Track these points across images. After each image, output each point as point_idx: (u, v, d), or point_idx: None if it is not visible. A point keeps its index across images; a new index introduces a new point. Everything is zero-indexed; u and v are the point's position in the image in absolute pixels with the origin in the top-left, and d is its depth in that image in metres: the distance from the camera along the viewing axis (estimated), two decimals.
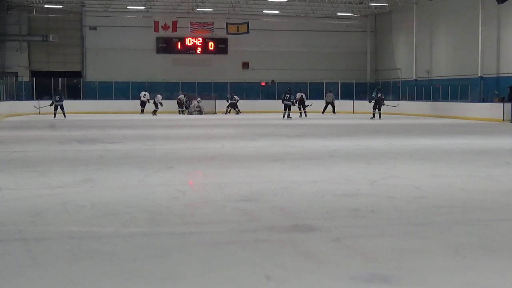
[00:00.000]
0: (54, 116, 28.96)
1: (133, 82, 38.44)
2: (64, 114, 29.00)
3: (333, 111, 35.05)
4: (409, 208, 6.72)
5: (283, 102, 28.83)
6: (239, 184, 8.50)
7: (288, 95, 28.70)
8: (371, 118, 28.43)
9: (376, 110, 28.64)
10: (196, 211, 6.64)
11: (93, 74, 39.06)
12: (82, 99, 38.02)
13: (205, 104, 35.33)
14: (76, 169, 9.86)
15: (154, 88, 38.62)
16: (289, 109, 28.83)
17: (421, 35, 36.38)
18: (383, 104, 29.18)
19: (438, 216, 6.31)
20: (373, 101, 28.51)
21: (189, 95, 36.12)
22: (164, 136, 17.80)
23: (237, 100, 35.33)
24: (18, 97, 35.92)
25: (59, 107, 29.10)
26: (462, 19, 32.82)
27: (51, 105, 29.30)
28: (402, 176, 9.38)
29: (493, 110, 27.66)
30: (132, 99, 37.91)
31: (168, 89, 38.29)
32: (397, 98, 37.70)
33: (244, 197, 7.29)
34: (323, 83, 39.88)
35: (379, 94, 28.70)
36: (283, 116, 28.62)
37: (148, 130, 20.83)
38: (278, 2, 37.29)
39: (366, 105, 37.78)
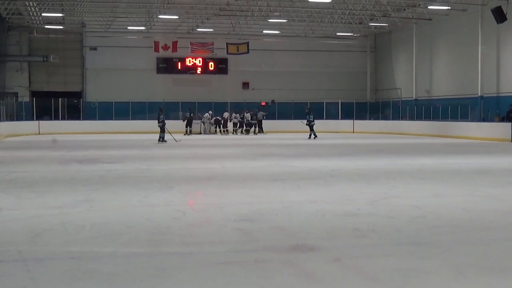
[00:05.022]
0: (159, 140, 24.87)
1: (133, 102, 38.50)
2: (160, 137, 24.94)
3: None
4: (410, 228, 6.71)
5: (309, 124, 28.65)
6: (239, 204, 8.50)
7: (313, 116, 28.74)
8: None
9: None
10: (196, 231, 6.63)
11: (93, 94, 39.18)
12: (82, 119, 38.06)
13: (206, 123, 35.46)
14: (76, 189, 9.86)
15: (154, 108, 38.71)
16: (312, 129, 28.79)
17: (421, 55, 36.51)
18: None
19: (439, 236, 6.30)
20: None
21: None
22: (164, 156, 17.79)
23: (260, 117, 35.25)
24: (18, 118, 35.99)
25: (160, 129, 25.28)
26: (461, 39, 32.96)
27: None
28: (402, 195, 9.37)
29: (493, 129, 27.67)
30: (132, 119, 37.97)
31: (169, 109, 38.35)
32: (397, 117, 37.74)
33: (244, 217, 7.28)
34: (323, 103, 39.93)
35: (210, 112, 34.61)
36: (311, 137, 28.43)
37: (148, 150, 20.83)
38: (278, 22, 37.48)
39: (366, 125, 37.87)
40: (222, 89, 40.61)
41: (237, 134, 35.10)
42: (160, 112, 25.67)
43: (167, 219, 7.19)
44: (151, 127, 35.97)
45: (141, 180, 11.23)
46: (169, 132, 26.04)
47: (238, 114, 35.88)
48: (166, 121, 25.70)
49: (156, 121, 25.55)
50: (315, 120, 28.94)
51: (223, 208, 8.01)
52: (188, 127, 33.47)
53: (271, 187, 10.29)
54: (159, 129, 25.39)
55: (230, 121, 35.79)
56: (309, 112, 29.04)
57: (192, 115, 33.76)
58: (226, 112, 35.79)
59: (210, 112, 35.58)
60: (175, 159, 16.69)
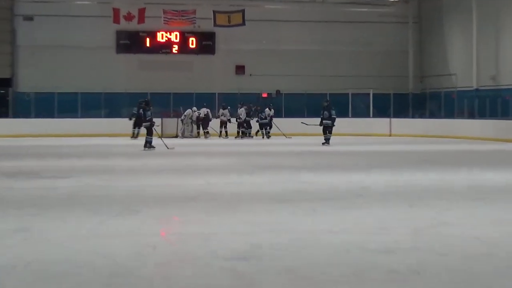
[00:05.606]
0: (146, 146, 25.04)
1: (84, 93, 38.52)
2: (147, 142, 25.16)
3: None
4: (467, 268, 6.73)
5: (322, 123, 28.05)
6: (231, 235, 8.50)
7: (328, 112, 28.20)
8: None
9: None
10: (171, 273, 6.64)
11: (27, 82, 39.18)
12: (12, 117, 38.07)
13: (167, 123, 35.28)
14: (5, 215, 9.85)
15: (112, 101, 38.67)
16: (330, 131, 28.04)
17: (484, 28, 36.46)
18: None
19: (509, 279, 6.31)
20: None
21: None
22: (128, 169, 17.78)
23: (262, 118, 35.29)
24: None
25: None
26: None
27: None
28: (458, 223, 9.38)
29: None
30: (82, 116, 37.94)
31: (133, 103, 38.37)
32: (451, 114, 37.74)
33: (238, 254, 7.29)
34: (348, 94, 39.95)
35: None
36: (326, 142, 27.75)
37: (105, 160, 20.82)
38: None
39: (408, 125, 37.80)
40: (208, 74, 40.64)
41: (227, 137, 35.12)
42: (146, 106, 25.73)
43: (131, 256, 7.19)
44: (109, 128, 36.10)
45: (95, 202, 11.23)
46: (160, 136, 26.08)
47: (226, 110, 35.84)
48: None
49: (129, 119, 25.55)
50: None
51: (209, 241, 8.01)
52: (137, 128, 33.43)
53: (275, 212, 10.30)
54: (145, 130, 25.43)
55: (217, 118, 35.80)
56: (329, 106, 28.60)
57: (141, 111, 33.66)
58: (205, 108, 35.60)
59: (194, 108, 35.53)
60: (142, 173, 16.68)
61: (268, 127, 35.03)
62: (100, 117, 38.33)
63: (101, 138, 33.83)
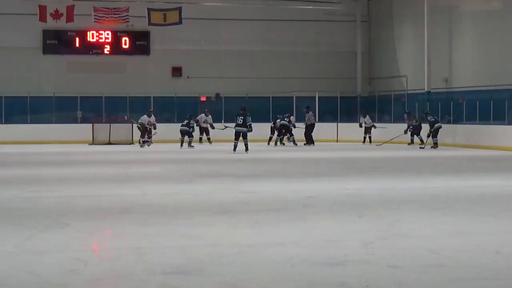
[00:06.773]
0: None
1: (8, 97, 38.07)
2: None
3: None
4: (421, 281, 6.78)
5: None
6: (168, 248, 8.48)
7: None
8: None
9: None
10: None
11: None
12: None
13: (118, 129, 34.96)
14: None
15: (39, 106, 38.27)
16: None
17: (436, 28, 36.77)
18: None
19: None
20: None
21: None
22: (56, 178, 17.64)
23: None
24: None
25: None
26: (495, 5, 33.38)
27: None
28: (410, 234, 9.46)
29: None
30: (6, 122, 37.51)
31: (62, 107, 38.04)
32: (401, 118, 38.03)
33: (176, 268, 7.27)
34: (293, 97, 40.02)
35: None
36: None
37: (30, 169, 20.61)
38: None
39: (357, 130, 38.03)
40: (142, 77, 40.45)
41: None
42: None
43: (60, 273, 7.12)
44: (35, 135, 35.72)
45: (20, 214, 11.11)
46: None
47: (209, 116, 35.82)
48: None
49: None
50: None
51: (144, 255, 7.98)
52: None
53: (215, 223, 10.30)
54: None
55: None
56: (245, 112, 28.62)
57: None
58: (149, 118, 35.06)
59: (144, 117, 34.49)
60: (71, 182, 16.56)
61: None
62: (26, 123, 37.89)
63: (27, 145, 33.46)
